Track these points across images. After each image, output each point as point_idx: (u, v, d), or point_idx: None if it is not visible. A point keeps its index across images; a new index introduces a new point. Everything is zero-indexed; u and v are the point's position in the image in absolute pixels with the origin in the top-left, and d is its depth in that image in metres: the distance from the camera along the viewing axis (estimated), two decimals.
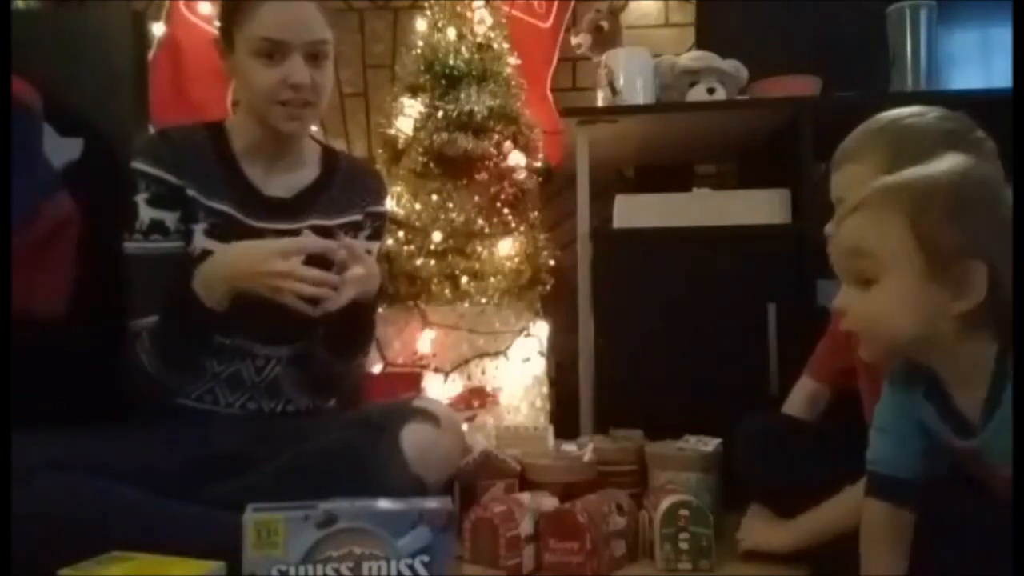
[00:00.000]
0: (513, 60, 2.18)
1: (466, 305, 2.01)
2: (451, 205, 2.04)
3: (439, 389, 1.95)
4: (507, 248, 2.05)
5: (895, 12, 1.95)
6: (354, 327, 1.30)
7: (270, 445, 1.22)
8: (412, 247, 2.04)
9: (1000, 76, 2.08)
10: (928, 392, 0.93)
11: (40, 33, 1.50)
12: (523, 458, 1.52)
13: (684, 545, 1.27)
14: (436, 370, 1.99)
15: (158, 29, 2.42)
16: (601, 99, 2.05)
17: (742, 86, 2.06)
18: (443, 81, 2.09)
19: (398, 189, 2.08)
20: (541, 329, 2.06)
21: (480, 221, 2.04)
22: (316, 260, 1.20)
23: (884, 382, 1.00)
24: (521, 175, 2.09)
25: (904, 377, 0.96)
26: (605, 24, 2.22)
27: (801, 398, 1.48)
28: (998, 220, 0.85)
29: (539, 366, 2.02)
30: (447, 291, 2.01)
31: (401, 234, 2.06)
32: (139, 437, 1.21)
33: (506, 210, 2.08)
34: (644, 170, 2.48)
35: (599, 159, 2.03)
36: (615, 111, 1.99)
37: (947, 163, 0.90)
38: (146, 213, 1.27)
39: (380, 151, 2.20)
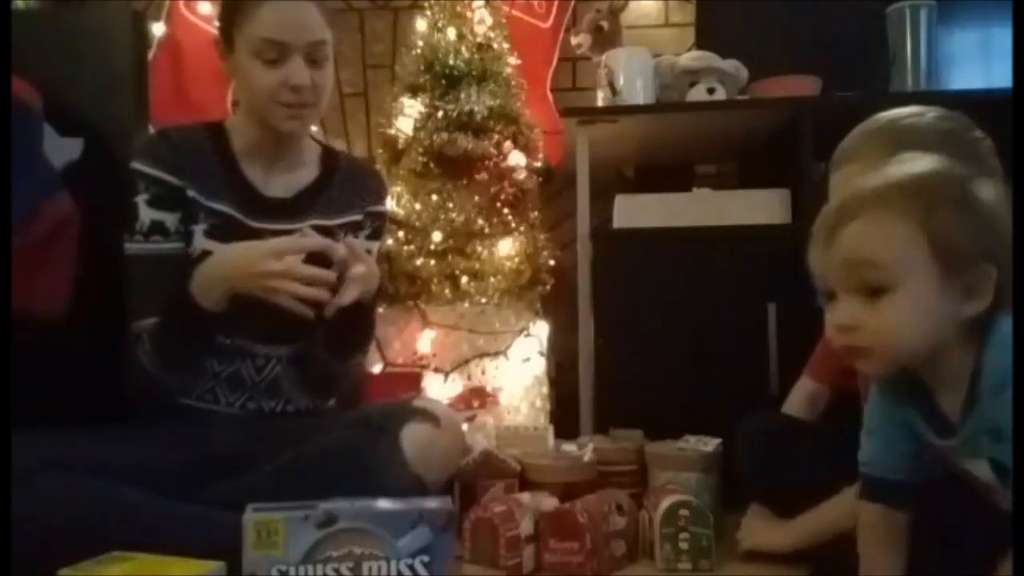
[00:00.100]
0: (513, 60, 2.18)
1: (466, 305, 2.01)
2: (451, 205, 2.04)
3: (439, 389, 1.95)
4: (507, 248, 2.05)
5: (895, 12, 1.95)
6: (354, 326, 1.30)
7: (270, 445, 1.22)
8: (412, 247, 2.04)
9: (1000, 76, 2.08)
10: (912, 393, 0.93)
11: (40, 33, 1.50)
12: (523, 458, 1.52)
13: (684, 545, 1.27)
14: (436, 370, 1.99)
15: (158, 29, 2.42)
16: (601, 99, 2.05)
17: (742, 86, 2.06)
18: (443, 81, 2.09)
19: (398, 189, 2.08)
20: (541, 329, 2.06)
21: (480, 221, 2.04)
22: (315, 260, 1.20)
23: (872, 384, 1.00)
24: (521, 175, 2.09)
25: (890, 379, 0.96)
26: (605, 24, 2.22)
27: (801, 398, 1.49)
28: (996, 219, 0.84)
29: (539, 366, 2.02)
30: (447, 291, 2.01)
31: (401, 234, 2.06)
32: (139, 437, 1.21)
33: (506, 210, 2.08)
34: (644, 170, 2.47)
35: (599, 159, 2.03)
36: (615, 111, 1.99)
37: (925, 162, 0.88)
38: (146, 214, 1.27)
39: (380, 151, 2.20)
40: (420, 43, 2.15)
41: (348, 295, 1.19)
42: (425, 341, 1.99)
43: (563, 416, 1.99)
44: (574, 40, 2.28)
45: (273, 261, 1.16)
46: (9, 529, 0.91)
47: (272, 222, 1.31)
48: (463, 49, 2.11)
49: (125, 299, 1.27)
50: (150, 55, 2.00)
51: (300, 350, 1.34)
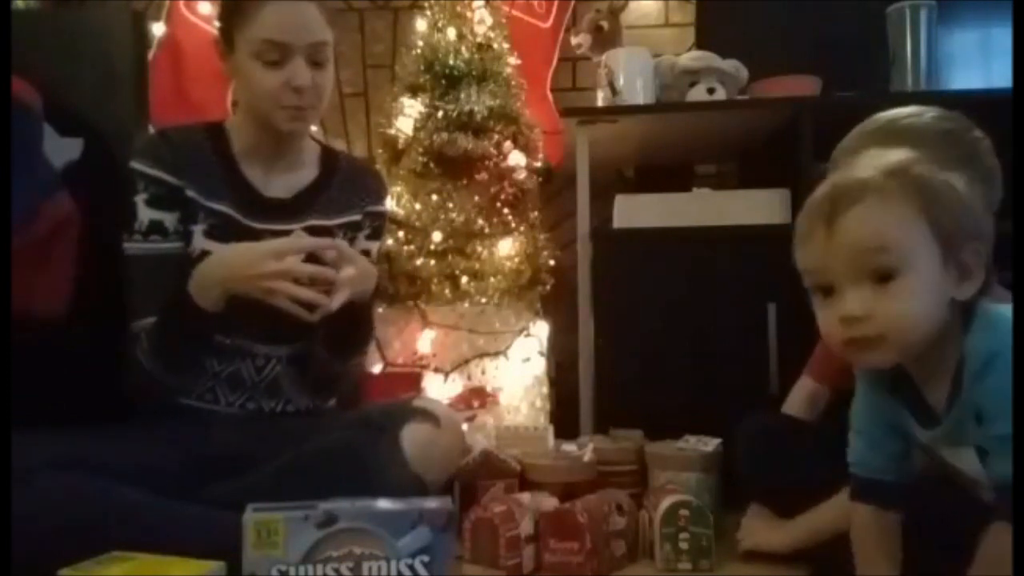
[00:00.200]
0: (513, 60, 2.18)
1: (466, 305, 2.01)
2: (451, 205, 2.04)
3: (439, 389, 1.95)
4: (507, 248, 2.05)
5: (895, 12, 1.95)
6: (351, 327, 1.30)
7: (270, 445, 1.22)
8: (412, 247, 2.04)
9: (1000, 76, 2.08)
10: (897, 387, 0.93)
11: (40, 33, 1.50)
12: (523, 458, 1.52)
13: (684, 545, 1.27)
14: (436, 370, 1.99)
15: (158, 29, 2.42)
16: (601, 99, 2.06)
17: (742, 86, 2.06)
18: (443, 81, 2.09)
19: (398, 189, 2.08)
20: (541, 329, 2.06)
21: (480, 221, 2.05)
22: (312, 261, 1.20)
23: (858, 383, 1.00)
24: (521, 175, 2.09)
25: (874, 375, 0.96)
26: (605, 24, 2.23)
27: (801, 398, 1.48)
28: (973, 201, 0.85)
29: (539, 366, 2.02)
30: (447, 291, 2.01)
31: (401, 234, 2.06)
32: (139, 437, 1.21)
33: (506, 210, 2.08)
34: (644, 170, 2.48)
35: (599, 159, 2.03)
36: (615, 111, 1.99)
37: (902, 153, 0.88)
38: (145, 214, 1.27)
39: (380, 151, 2.20)
40: (420, 43, 2.15)
41: (338, 298, 1.18)
42: (425, 341, 1.99)
43: (563, 416, 1.99)
44: (574, 40, 2.28)
45: (271, 262, 1.16)
46: (9, 529, 0.91)
47: (271, 222, 1.31)
48: (463, 49, 2.11)
49: (125, 299, 1.27)
50: (150, 55, 2.00)
51: (300, 350, 1.34)
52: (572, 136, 2.02)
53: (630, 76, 2.00)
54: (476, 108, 2.05)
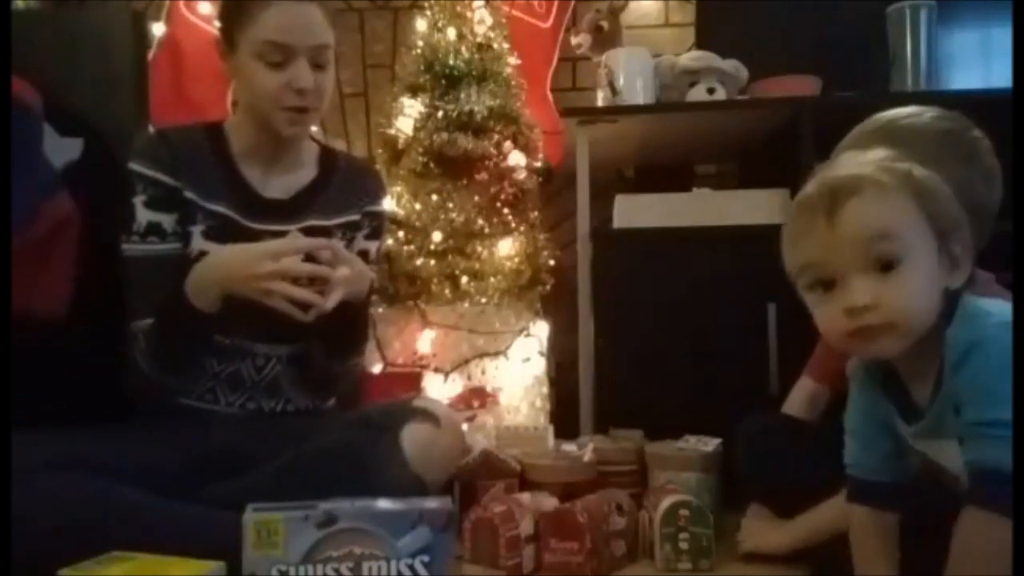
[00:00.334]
0: (513, 60, 2.18)
1: (466, 305, 2.01)
2: (451, 205, 2.04)
3: (439, 389, 1.95)
4: (507, 248, 2.05)
5: (895, 12, 1.95)
6: (347, 328, 1.30)
7: (270, 445, 1.22)
8: (412, 247, 2.04)
9: (1000, 76, 2.08)
10: (887, 386, 0.94)
11: (40, 33, 1.50)
12: (523, 458, 1.52)
13: (684, 545, 1.27)
14: (436, 370, 1.99)
15: (158, 29, 2.42)
16: (601, 99, 2.06)
17: (742, 86, 2.06)
18: (443, 81, 2.09)
19: (398, 189, 2.08)
20: (541, 329, 2.06)
21: (480, 221, 2.05)
22: (310, 261, 1.20)
23: (851, 384, 1.00)
24: (521, 175, 2.09)
25: (865, 375, 0.97)
26: (605, 24, 2.23)
27: (801, 398, 1.48)
28: (953, 194, 0.87)
29: (539, 366, 2.02)
30: (447, 291, 2.01)
31: (401, 234, 2.06)
32: (139, 437, 1.21)
33: (506, 210, 2.08)
34: (644, 170, 2.48)
35: (599, 159, 2.03)
36: (615, 111, 1.99)
37: (882, 150, 0.91)
38: (143, 215, 1.26)
39: (380, 151, 2.20)
40: (420, 43, 2.15)
41: (333, 298, 1.18)
42: (425, 341, 1.99)
43: (563, 416, 1.99)
44: (574, 40, 2.28)
45: (266, 262, 1.16)
46: (9, 529, 0.91)
47: (270, 223, 1.31)
48: (463, 49, 2.11)
49: (124, 300, 1.27)
50: (150, 55, 2.00)
51: (299, 350, 1.34)
52: (572, 136, 2.02)
53: (630, 76, 2.00)
54: (476, 108, 2.05)
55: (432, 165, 2.06)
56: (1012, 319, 0.82)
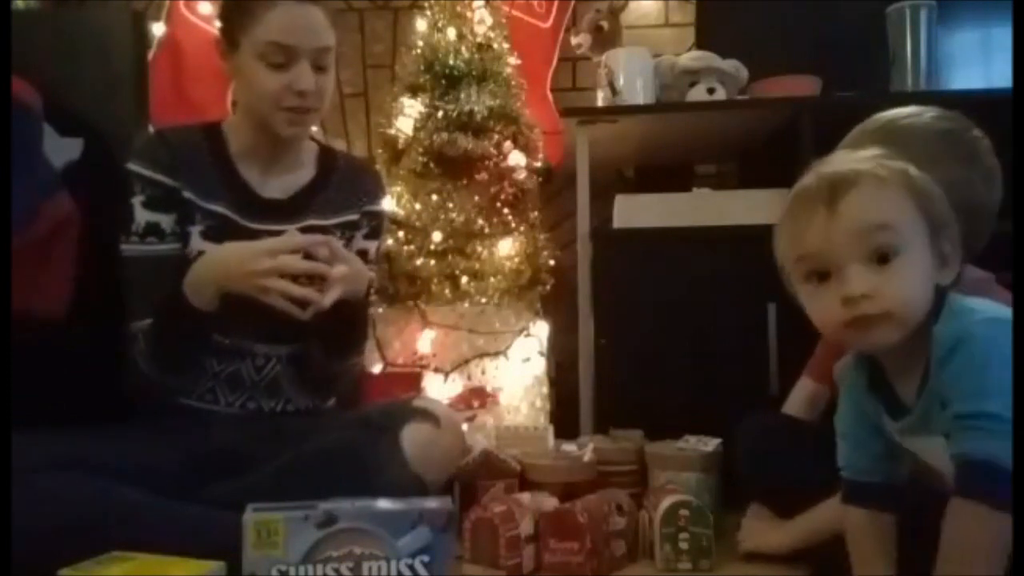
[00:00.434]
0: (513, 60, 2.18)
1: (466, 305, 2.01)
2: (451, 205, 2.04)
3: (439, 389, 1.95)
4: (507, 248, 2.05)
5: (895, 12, 1.95)
6: (345, 327, 1.30)
7: (270, 445, 1.22)
8: (412, 247, 2.04)
9: (1000, 76, 2.07)
10: (874, 384, 0.94)
11: (40, 33, 1.50)
12: (523, 458, 1.52)
13: (684, 545, 1.27)
14: (436, 370, 1.99)
15: (158, 29, 2.42)
16: (601, 99, 2.06)
17: (742, 86, 2.06)
18: (443, 81, 2.09)
19: (398, 189, 2.08)
20: (541, 329, 2.06)
21: (480, 221, 2.05)
22: (308, 259, 1.20)
23: (839, 386, 1.00)
24: (521, 175, 2.09)
25: (851, 376, 0.97)
26: (605, 24, 2.23)
27: (801, 398, 1.48)
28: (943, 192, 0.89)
29: (539, 366, 2.02)
30: (447, 291, 2.01)
31: (401, 234, 2.06)
32: (139, 437, 1.21)
33: (506, 210, 2.08)
34: (644, 170, 2.48)
35: (599, 159, 2.03)
36: (615, 111, 1.99)
37: (875, 149, 0.92)
38: (142, 215, 1.26)
39: (380, 151, 2.20)
40: (420, 43, 2.15)
41: (330, 295, 1.18)
42: (425, 341, 1.99)
43: (563, 416, 1.99)
44: (574, 40, 2.28)
45: (264, 260, 1.16)
46: (9, 529, 0.91)
47: (268, 223, 1.31)
48: (463, 49, 2.11)
49: (123, 300, 1.27)
50: (150, 55, 2.00)
51: (299, 350, 1.34)
52: (572, 136, 2.02)
53: (630, 76, 2.00)
54: (476, 108, 2.05)
55: (432, 165, 2.06)
56: (1010, 318, 0.83)
